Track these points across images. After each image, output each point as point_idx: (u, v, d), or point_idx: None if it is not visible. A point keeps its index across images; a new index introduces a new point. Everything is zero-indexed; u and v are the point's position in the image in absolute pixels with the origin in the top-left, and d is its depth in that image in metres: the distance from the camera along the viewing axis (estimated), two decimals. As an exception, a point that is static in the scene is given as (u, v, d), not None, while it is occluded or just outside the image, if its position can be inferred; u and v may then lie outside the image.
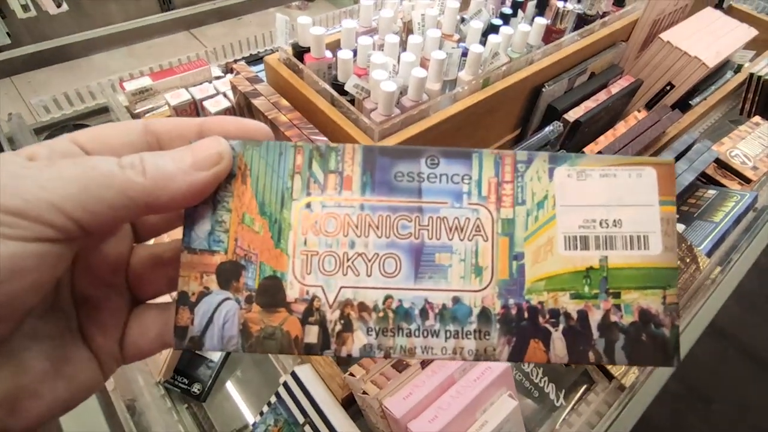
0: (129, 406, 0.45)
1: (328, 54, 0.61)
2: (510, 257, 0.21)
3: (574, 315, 0.21)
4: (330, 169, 0.20)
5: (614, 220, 0.22)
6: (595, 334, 0.21)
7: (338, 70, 0.58)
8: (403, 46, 0.63)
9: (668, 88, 0.87)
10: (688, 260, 0.63)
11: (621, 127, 0.78)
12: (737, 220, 0.71)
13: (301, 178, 0.20)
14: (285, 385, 0.50)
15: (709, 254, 0.67)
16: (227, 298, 0.19)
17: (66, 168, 0.15)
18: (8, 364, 0.16)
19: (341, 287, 0.19)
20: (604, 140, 0.76)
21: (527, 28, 0.66)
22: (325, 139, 0.57)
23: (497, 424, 0.45)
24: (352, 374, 0.45)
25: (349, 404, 0.50)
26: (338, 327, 0.19)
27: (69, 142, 0.17)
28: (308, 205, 0.19)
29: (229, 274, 0.19)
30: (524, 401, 0.58)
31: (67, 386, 0.18)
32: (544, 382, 0.58)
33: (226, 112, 0.69)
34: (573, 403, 0.56)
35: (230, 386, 0.58)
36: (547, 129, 0.64)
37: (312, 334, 0.19)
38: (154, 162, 0.16)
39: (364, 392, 0.44)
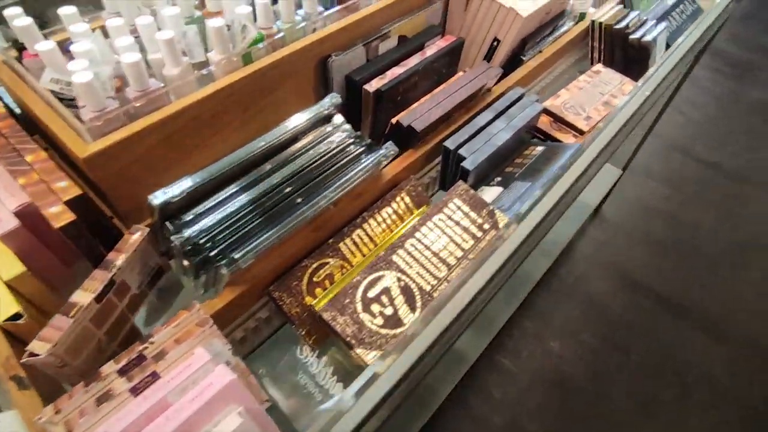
0: None
1: (53, 47, 0.53)
2: None
3: None
4: None
5: None
6: None
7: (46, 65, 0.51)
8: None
9: (495, 44, 0.82)
10: (487, 227, 0.59)
11: (439, 90, 0.73)
12: (557, 177, 0.67)
13: None
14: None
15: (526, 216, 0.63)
16: None
17: None
18: None
19: None
20: (417, 105, 0.70)
21: (289, -6, 0.59)
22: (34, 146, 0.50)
23: (216, 448, 0.39)
24: (41, 417, 0.39)
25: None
26: None
27: None
28: None
29: None
30: (306, 406, 0.52)
31: None
32: (332, 382, 0.53)
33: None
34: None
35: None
36: (325, 100, 0.58)
37: None
38: None
39: (53, 436, 0.38)
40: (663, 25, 0.92)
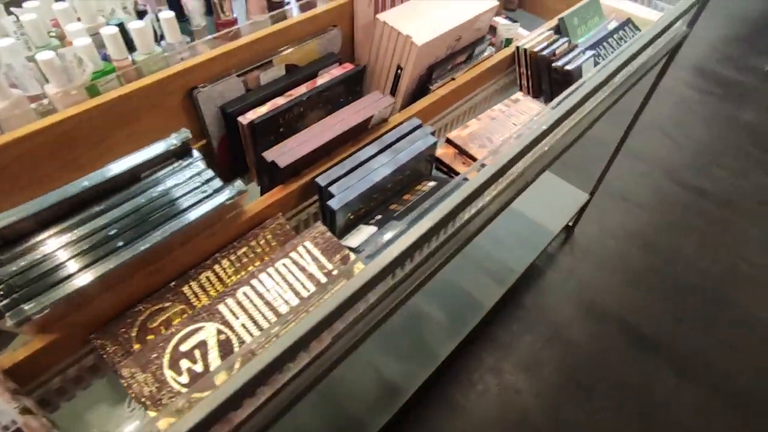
0: None
1: None
2: None
3: None
4: None
5: None
6: None
7: None
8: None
9: (399, 72, 0.79)
10: (336, 273, 0.55)
11: (320, 122, 0.69)
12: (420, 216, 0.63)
13: None
14: None
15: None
16: None
17: None
18: None
19: None
20: (290, 139, 0.66)
21: (140, 25, 0.57)
22: None
23: None
24: None
25: None
26: None
27: None
28: None
29: None
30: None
31: None
32: None
33: None
34: None
35: None
36: (171, 136, 0.55)
37: None
38: None
39: None
40: (590, 53, 0.87)
